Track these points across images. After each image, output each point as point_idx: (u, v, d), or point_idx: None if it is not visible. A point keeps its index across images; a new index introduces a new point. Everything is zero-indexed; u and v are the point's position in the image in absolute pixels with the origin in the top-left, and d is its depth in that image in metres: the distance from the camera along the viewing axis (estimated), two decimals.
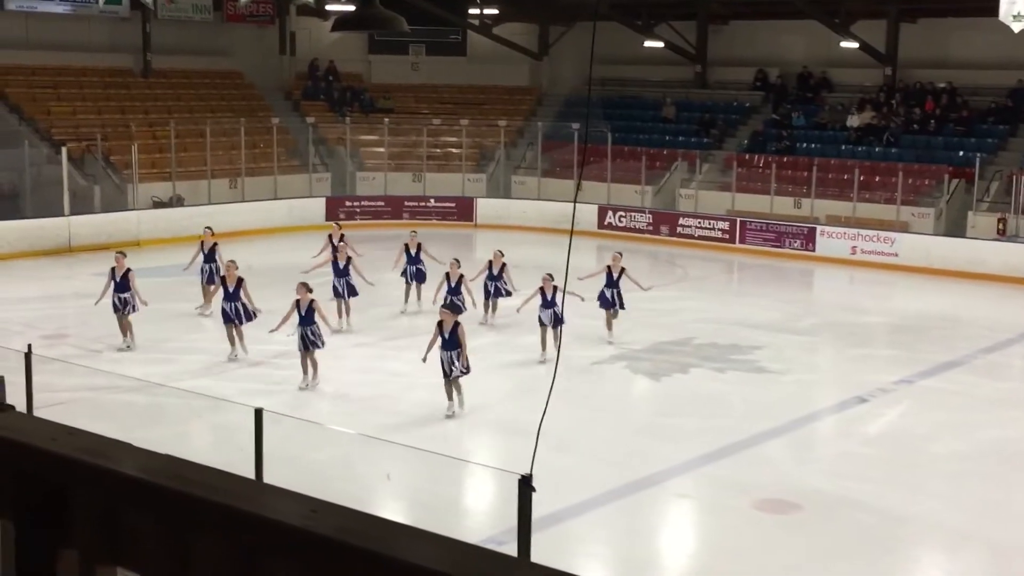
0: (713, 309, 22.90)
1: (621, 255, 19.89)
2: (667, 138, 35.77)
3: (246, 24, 37.69)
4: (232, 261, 18.41)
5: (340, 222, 26.05)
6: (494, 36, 38.35)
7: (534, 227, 32.17)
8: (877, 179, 31.08)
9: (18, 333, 17.95)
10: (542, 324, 17.89)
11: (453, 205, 34.43)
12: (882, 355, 19.71)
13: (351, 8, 14.99)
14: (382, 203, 34.28)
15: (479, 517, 11.65)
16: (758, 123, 35.35)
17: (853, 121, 33.27)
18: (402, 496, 12.32)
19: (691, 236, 31.57)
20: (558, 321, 16.43)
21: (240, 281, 17.66)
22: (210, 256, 20.91)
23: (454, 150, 36.65)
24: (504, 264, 20.72)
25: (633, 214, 32.68)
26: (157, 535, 1.36)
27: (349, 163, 35.61)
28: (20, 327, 18.91)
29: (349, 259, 20.30)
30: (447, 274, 19.78)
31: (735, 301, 24.71)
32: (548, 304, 17.74)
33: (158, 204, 30.91)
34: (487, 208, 34.38)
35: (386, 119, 36.32)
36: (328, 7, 31.69)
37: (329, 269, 20.43)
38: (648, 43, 35.56)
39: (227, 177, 32.74)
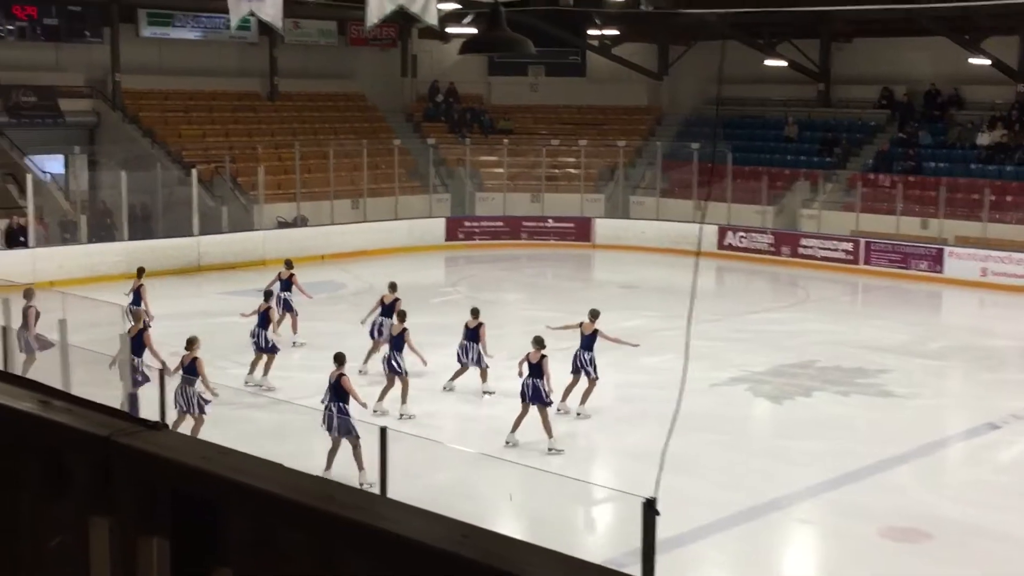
0: (836, 331, 22.45)
1: (596, 315, 16.33)
2: (789, 158, 35.27)
3: (369, 47, 38.36)
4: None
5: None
6: (613, 56, 38.35)
7: (653, 247, 31.99)
8: (1009, 199, 30.17)
9: None
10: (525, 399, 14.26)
11: (572, 225, 34.45)
12: (1015, 380, 19.08)
13: (474, 31, 15.14)
14: (501, 223, 34.48)
15: (599, 539, 11.60)
16: (883, 142, 34.62)
17: (983, 139, 32.36)
18: (522, 516, 12.32)
19: (813, 257, 31.03)
20: (538, 398, 13.95)
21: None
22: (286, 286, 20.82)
23: (572, 170, 36.71)
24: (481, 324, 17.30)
25: (754, 234, 32.28)
26: (308, 556, 1.39)
27: (468, 184, 35.94)
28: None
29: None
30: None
31: (859, 323, 24.19)
32: (535, 373, 14.29)
33: (283, 224, 31.60)
34: (605, 228, 34.32)
35: (505, 140, 36.58)
36: (449, 29, 32.07)
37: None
38: (769, 62, 35.16)
39: (349, 198, 33.33)
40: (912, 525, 11.85)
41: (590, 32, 37.82)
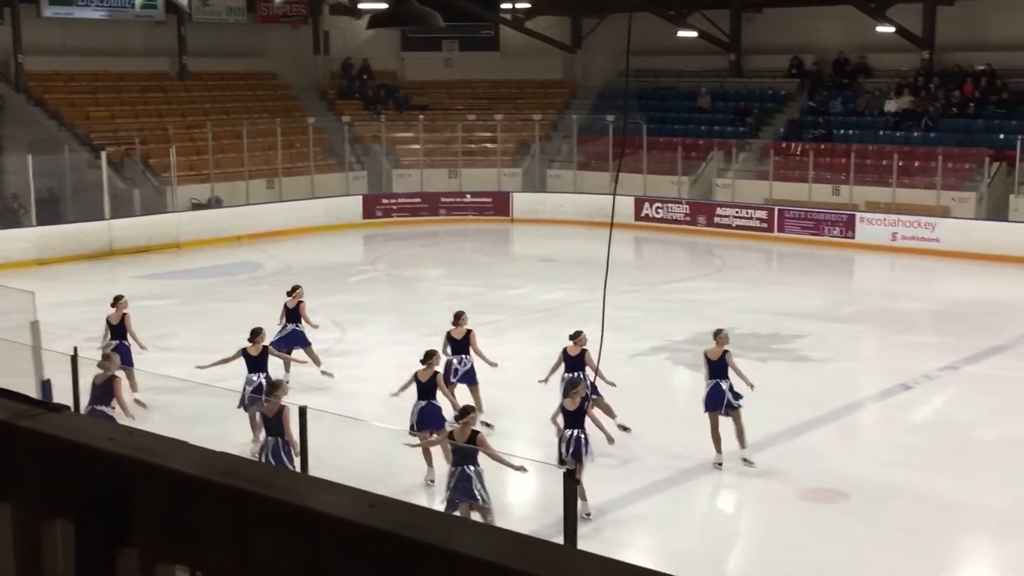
0: (753, 299, 22.77)
1: (581, 337, 14.06)
2: (703, 128, 35.59)
3: (280, 24, 37.86)
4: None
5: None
6: (526, 30, 38.30)
7: (570, 220, 32.12)
8: (916, 164, 30.78)
9: (63, 336, 18.12)
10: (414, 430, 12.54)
11: (489, 200, 34.44)
12: (926, 342, 19.53)
13: (384, 6, 14.99)
14: (418, 200, 34.36)
15: (524, 511, 11.65)
16: (794, 111, 35.10)
17: (891, 106, 32.94)
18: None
19: (729, 226, 31.41)
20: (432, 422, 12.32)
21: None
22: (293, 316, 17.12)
23: (489, 145, 36.67)
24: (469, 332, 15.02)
25: (670, 205, 32.56)
26: (216, 533, 1.36)
27: (385, 161, 35.72)
28: (65, 330, 19.08)
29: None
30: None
31: (775, 290, 24.56)
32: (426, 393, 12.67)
33: (197, 206, 31.14)
34: (523, 202, 34.38)
35: (421, 116, 36.41)
36: (361, 5, 31.75)
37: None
38: (681, 33, 35.38)
39: (264, 177, 32.94)
40: (830, 486, 12.09)
41: (503, 6, 37.73)
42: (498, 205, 34.35)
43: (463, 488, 10.24)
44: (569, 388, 11.85)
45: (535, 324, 20.43)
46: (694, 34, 35.58)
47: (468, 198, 34.45)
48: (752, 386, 13.01)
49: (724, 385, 12.84)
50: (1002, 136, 30.22)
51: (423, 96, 38.61)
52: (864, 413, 15.85)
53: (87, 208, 28.59)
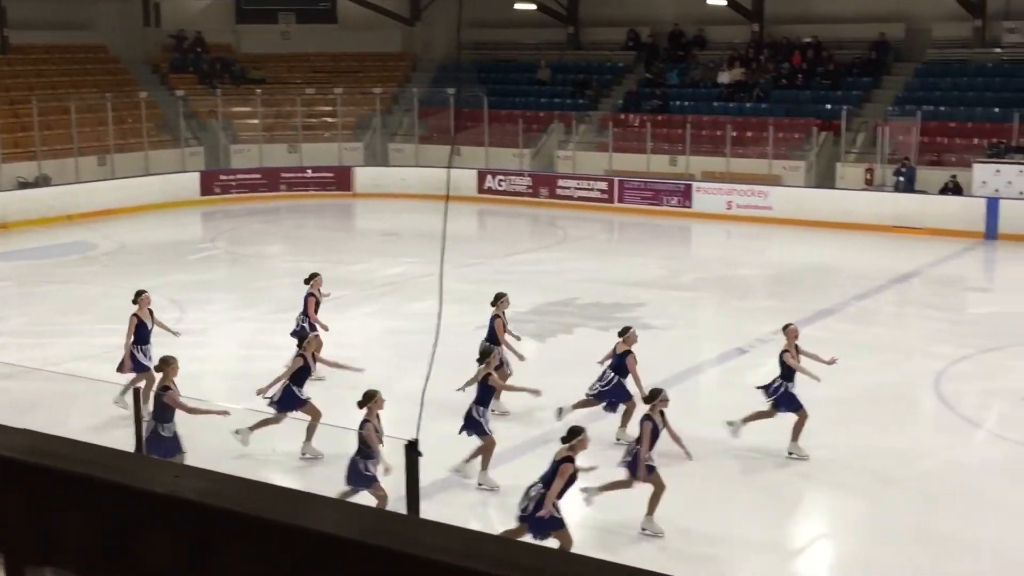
0: (595, 269, 23.12)
1: (630, 333, 13.60)
2: (543, 100, 35.87)
3: None
4: None
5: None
6: (364, 2, 37.87)
7: (413, 194, 32.02)
8: (749, 134, 31.66)
9: None
10: None
11: (331, 175, 34.07)
12: (760, 306, 20.15)
13: None
14: (258, 175, 33.75)
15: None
16: (632, 83, 35.65)
17: (724, 78, 33.77)
18: (290, 469, 12.20)
19: (571, 197, 31.78)
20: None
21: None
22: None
23: (329, 119, 36.22)
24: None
25: (512, 177, 32.75)
26: (18, 512, 1.31)
27: (222, 136, 34.92)
28: None
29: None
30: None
31: (616, 260, 24.98)
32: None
33: (24, 184, 29.93)
34: (365, 177, 34.12)
35: (258, 90, 35.71)
36: None
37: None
38: (519, 5, 35.53)
39: (95, 154, 31.83)
40: (672, 448, 12.36)
41: None
42: (340, 180, 34.00)
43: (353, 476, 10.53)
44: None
45: (379, 298, 20.33)
46: (532, 7, 35.78)
47: (309, 173, 34.00)
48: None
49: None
50: (828, 106, 31.32)
51: (260, 70, 37.85)
52: (703, 377, 16.28)
53: None
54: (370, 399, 10.66)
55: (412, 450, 5.39)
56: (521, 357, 14.23)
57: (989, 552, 10.42)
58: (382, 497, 10.35)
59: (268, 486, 1.24)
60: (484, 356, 12.50)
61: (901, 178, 28.35)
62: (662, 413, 11.10)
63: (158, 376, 11.74)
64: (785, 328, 13.25)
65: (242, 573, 1.13)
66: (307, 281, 15.66)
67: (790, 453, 12.50)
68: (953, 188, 27.55)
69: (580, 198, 31.62)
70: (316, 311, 15.37)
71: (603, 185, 31.45)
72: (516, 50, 38.10)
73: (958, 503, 11.46)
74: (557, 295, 20.37)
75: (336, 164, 34.36)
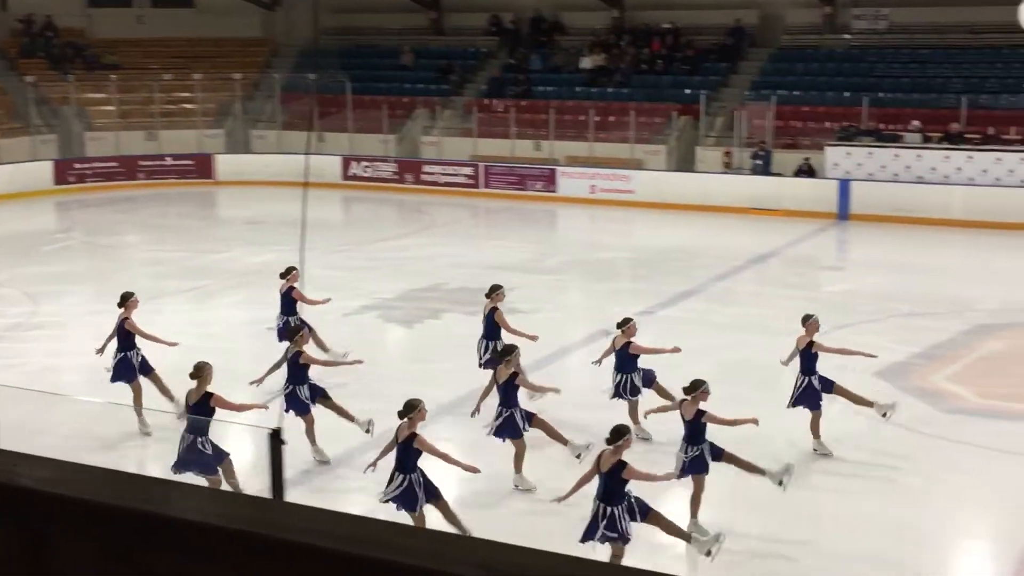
0: (462, 254, 23.18)
1: (630, 325, 13.54)
2: (407, 86, 35.73)
3: None
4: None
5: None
6: None
7: (277, 181, 31.56)
8: (611, 119, 32.08)
9: None
10: None
11: (192, 162, 33.38)
12: (625, 288, 20.49)
13: None
14: (115, 163, 32.86)
15: (240, 478, 11.43)
16: (495, 68, 35.76)
17: (585, 63, 34.13)
18: (158, 459, 11.96)
19: (436, 183, 31.76)
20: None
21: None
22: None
23: (188, 106, 35.45)
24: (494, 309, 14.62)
25: (377, 164, 32.57)
26: None
27: (76, 123, 33.88)
28: None
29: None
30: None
31: (483, 245, 25.09)
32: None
33: None
34: (227, 164, 33.52)
35: (113, 76, 34.73)
36: None
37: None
38: None
39: None
40: (540, 432, 12.48)
41: None
42: (200, 167, 33.33)
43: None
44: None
45: (243, 288, 20.03)
46: None
47: (168, 161, 33.25)
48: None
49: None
50: (687, 91, 31.91)
51: (115, 55, 36.80)
52: (569, 359, 16.48)
53: None
54: (412, 409, 9.94)
55: (276, 439, 5.37)
56: (534, 338, 14.03)
57: (853, 522, 10.81)
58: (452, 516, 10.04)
59: (116, 473, 1.23)
60: (504, 355, 11.85)
61: (758, 161, 29.09)
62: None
63: (193, 383, 10.81)
64: (805, 320, 12.66)
65: (85, 562, 1.12)
66: (283, 276, 14.95)
67: (815, 450, 12.43)
68: (807, 170, 28.39)
69: (446, 184, 31.63)
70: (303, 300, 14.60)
71: (468, 171, 31.51)
72: (379, 35, 37.85)
73: (815, 477, 11.84)
74: (424, 281, 20.36)
75: (196, 152, 33.67)
